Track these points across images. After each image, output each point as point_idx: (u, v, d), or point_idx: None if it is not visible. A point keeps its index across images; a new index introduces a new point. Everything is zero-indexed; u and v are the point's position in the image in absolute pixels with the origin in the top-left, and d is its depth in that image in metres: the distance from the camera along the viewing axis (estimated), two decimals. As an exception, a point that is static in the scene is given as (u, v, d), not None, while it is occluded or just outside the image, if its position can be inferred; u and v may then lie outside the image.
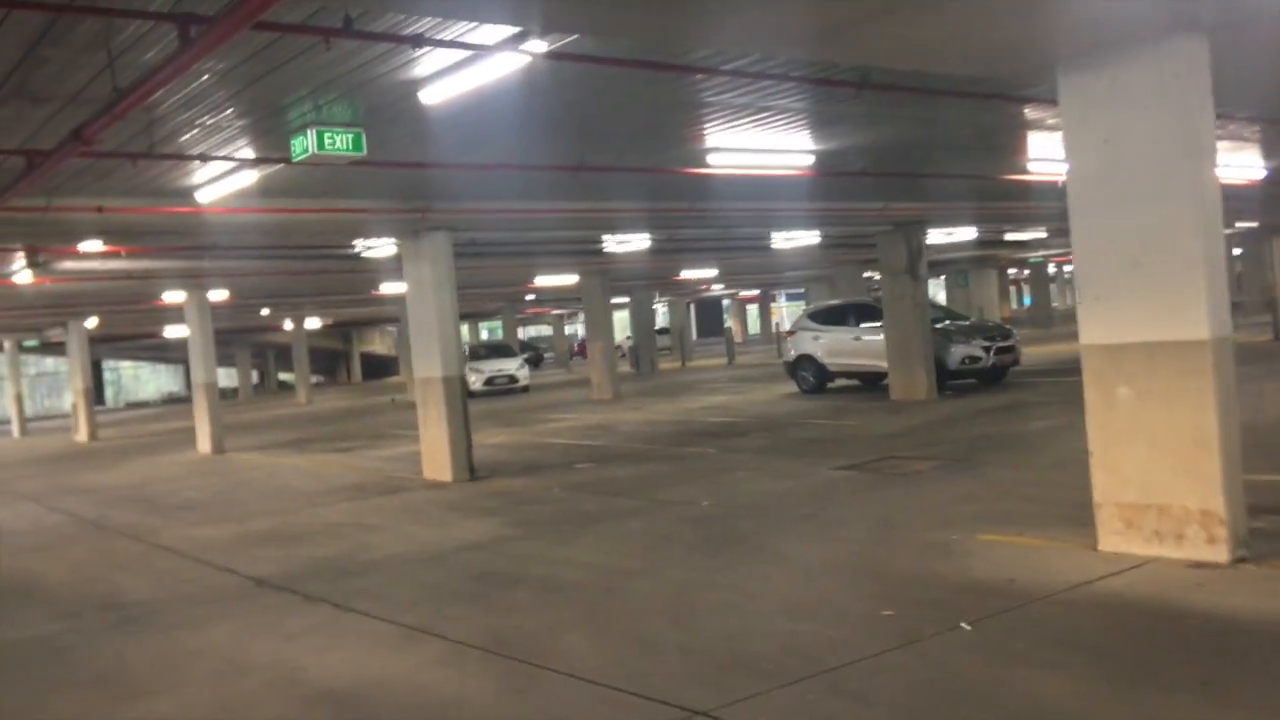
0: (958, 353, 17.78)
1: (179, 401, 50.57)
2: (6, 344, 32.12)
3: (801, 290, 67.31)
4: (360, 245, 15.67)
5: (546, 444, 15.79)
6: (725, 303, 71.19)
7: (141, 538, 10.37)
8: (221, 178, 9.43)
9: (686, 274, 30.28)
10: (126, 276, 16.58)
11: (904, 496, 9.20)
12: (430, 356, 12.70)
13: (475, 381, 26.50)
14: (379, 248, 15.87)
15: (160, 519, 11.53)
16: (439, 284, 12.59)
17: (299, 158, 7.70)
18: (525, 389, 28.45)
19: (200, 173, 9.47)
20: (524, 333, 54.11)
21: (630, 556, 7.69)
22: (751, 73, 7.49)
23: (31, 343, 34.64)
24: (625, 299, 34.98)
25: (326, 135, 7.60)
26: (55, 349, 41.60)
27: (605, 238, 18.11)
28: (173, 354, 52.31)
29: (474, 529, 9.40)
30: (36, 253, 13.34)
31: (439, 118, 7.94)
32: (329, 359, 54.07)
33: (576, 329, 60.04)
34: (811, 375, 20.06)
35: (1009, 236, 27.32)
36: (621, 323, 45.29)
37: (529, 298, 37.31)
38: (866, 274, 28.11)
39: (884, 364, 18.09)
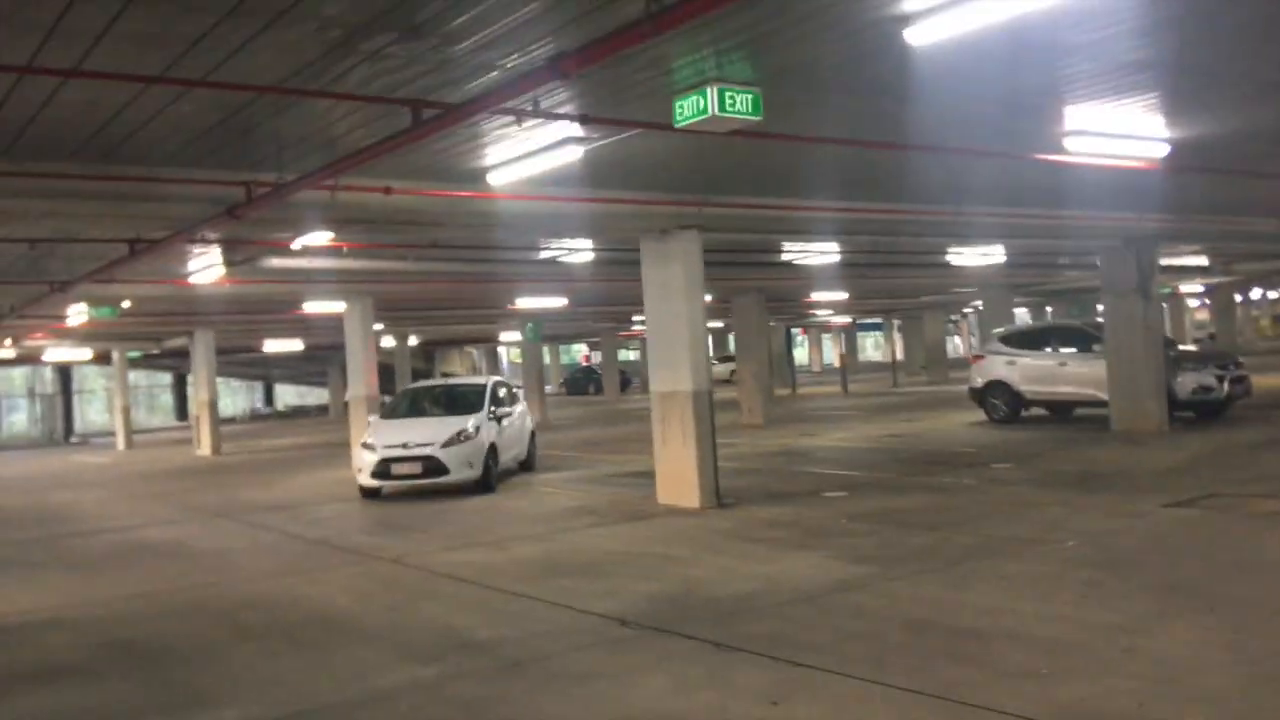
0: (1188, 381, 16.30)
1: (263, 418, 49.98)
2: (115, 355, 31.35)
3: (879, 320, 66.20)
4: (559, 248, 14.60)
5: (752, 469, 14.50)
6: (794, 331, 70.03)
7: (401, 561, 9.21)
8: (520, 159, 8.28)
9: (817, 296, 29.08)
10: (304, 279, 15.62)
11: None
12: (676, 368, 11.48)
13: (364, 469, 13.27)
14: (579, 252, 14.79)
15: (396, 539, 10.36)
16: (690, 288, 11.40)
17: (687, 121, 6.55)
18: (486, 485, 13.31)
19: (495, 152, 8.35)
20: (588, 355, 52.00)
21: (1076, 606, 6.37)
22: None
23: (134, 354, 33.89)
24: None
25: (728, 95, 6.45)
26: (153, 361, 41.04)
27: (789, 247, 16.93)
28: (253, 370, 51.76)
29: (805, 564, 8.13)
30: (243, 246, 12.33)
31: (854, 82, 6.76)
32: (413, 378, 53.22)
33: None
34: (1004, 403, 18.65)
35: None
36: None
37: (638, 318, 36.16)
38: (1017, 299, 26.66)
39: (1098, 392, 16.69)
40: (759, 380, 22.66)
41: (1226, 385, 16.36)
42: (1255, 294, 50.84)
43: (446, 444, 13.02)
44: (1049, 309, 42.22)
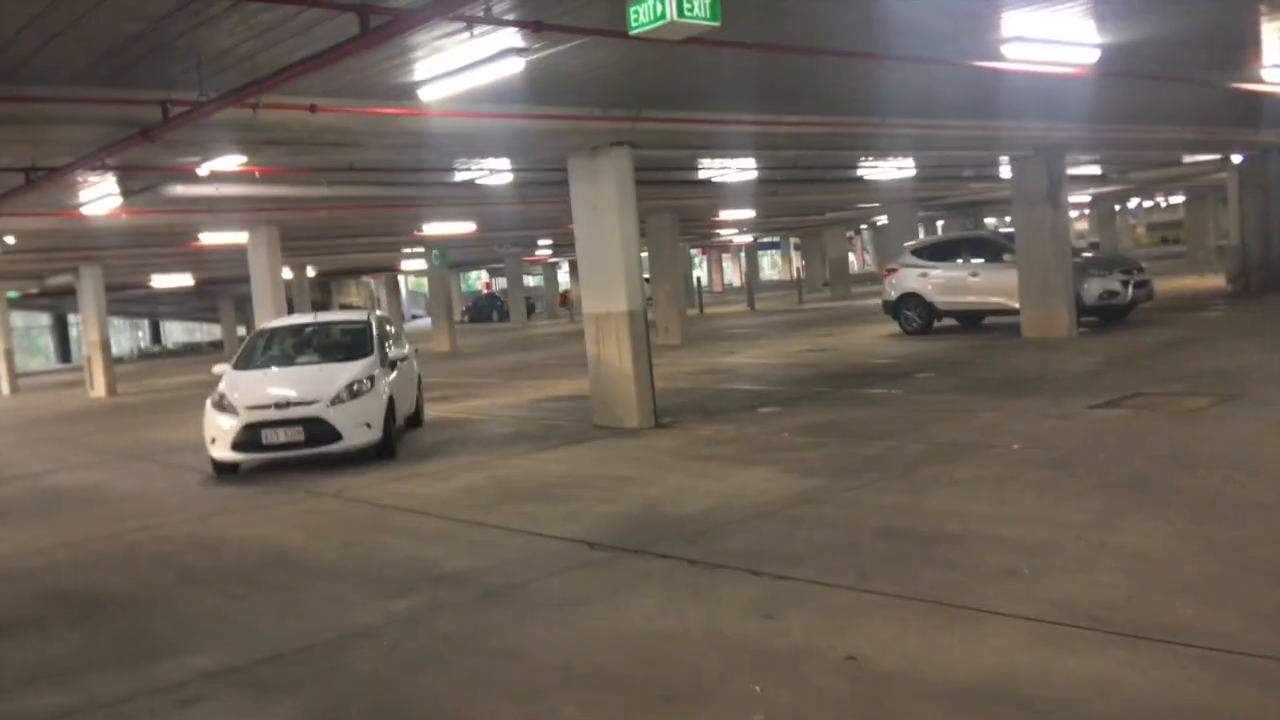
0: (1095, 287, 16.79)
1: (153, 357, 48.27)
2: (-9, 295, 29.68)
3: (776, 240, 66.74)
4: (479, 170, 14.19)
5: (681, 388, 14.49)
6: (693, 252, 70.15)
7: (342, 495, 8.95)
8: (456, 73, 7.89)
9: (726, 215, 29.04)
10: (206, 208, 14.90)
11: (1252, 436, 8.16)
12: (610, 289, 11.33)
13: (218, 438, 10.36)
14: (498, 173, 14.40)
15: (331, 474, 9.95)
16: (623, 207, 11.19)
17: (643, 28, 6.29)
18: (387, 449, 10.53)
19: (429, 66, 7.96)
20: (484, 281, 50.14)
21: (1037, 506, 6.51)
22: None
23: (12, 294, 32.18)
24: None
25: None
26: (29, 301, 39.10)
27: (709, 164, 16.80)
28: (138, 308, 49.66)
29: (759, 479, 8.13)
30: (143, 174, 11.66)
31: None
32: (313, 311, 51.79)
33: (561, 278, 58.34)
34: (917, 315, 18.97)
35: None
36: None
37: (543, 243, 35.71)
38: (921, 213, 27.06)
39: (1010, 301, 17.07)
40: (675, 300, 22.62)
41: (1130, 290, 16.90)
42: (1132, 204, 52.74)
43: (336, 400, 10.10)
44: (939, 223, 43.02)
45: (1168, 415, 9.35)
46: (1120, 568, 5.15)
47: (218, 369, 11.24)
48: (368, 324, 11.80)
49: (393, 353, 11.55)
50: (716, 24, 6.37)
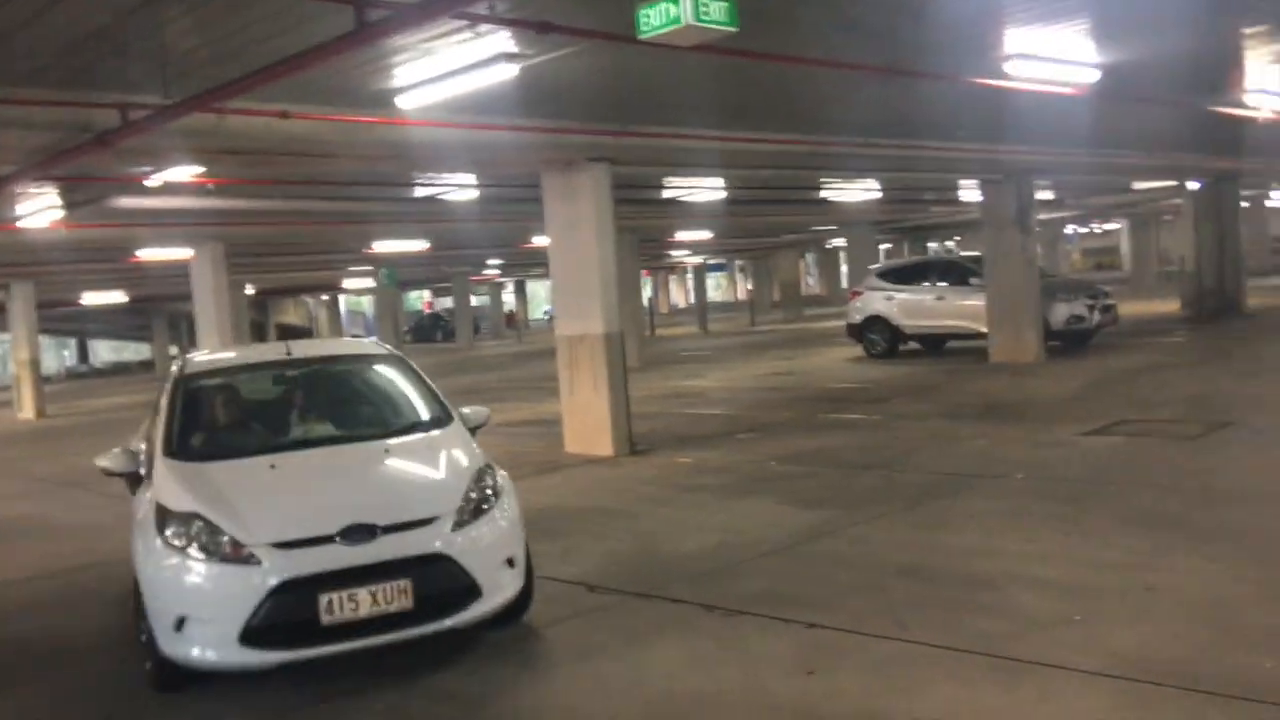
0: (1062, 311, 16.70)
1: (81, 376, 46.59)
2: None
3: (722, 262, 66.68)
4: (444, 184, 13.69)
5: (649, 413, 14.00)
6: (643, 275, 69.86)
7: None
8: (441, 79, 7.43)
9: (682, 235, 28.74)
10: (152, 222, 14.18)
11: (1264, 466, 7.93)
12: (585, 310, 10.86)
13: (209, 617, 4.47)
14: (463, 188, 13.91)
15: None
16: (600, 225, 10.75)
17: (654, 32, 5.88)
18: (525, 602, 5.28)
19: (412, 71, 7.48)
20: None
21: (1065, 544, 6.16)
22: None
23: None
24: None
25: (703, 2, 5.81)
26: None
27: (675, 183, 16.49)
28: (65, 326, 48.01)
29: (756, 512, 7.75)
30: (88, 185, 10.98)
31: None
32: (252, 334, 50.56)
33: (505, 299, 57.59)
34: (882, 338, 18.76)
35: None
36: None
37: (492, 261, 35.13)
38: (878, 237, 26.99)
39: (977, 325, 16.92)
40: (634, 322, 22.18)
41: (1096, 314, 16.86)
42: (1067, 230, 53.72)
43: (461, 520, 4.94)
44: (883, 247, 43.17)
45: (1164, 443, 9.13)
46: (1179, 615, 4.81)
47: (105, 461, 5.72)
48: (398, 359, 6.49)
49: (470, 413, 6.06)
50: (734, 29, 5.98)
